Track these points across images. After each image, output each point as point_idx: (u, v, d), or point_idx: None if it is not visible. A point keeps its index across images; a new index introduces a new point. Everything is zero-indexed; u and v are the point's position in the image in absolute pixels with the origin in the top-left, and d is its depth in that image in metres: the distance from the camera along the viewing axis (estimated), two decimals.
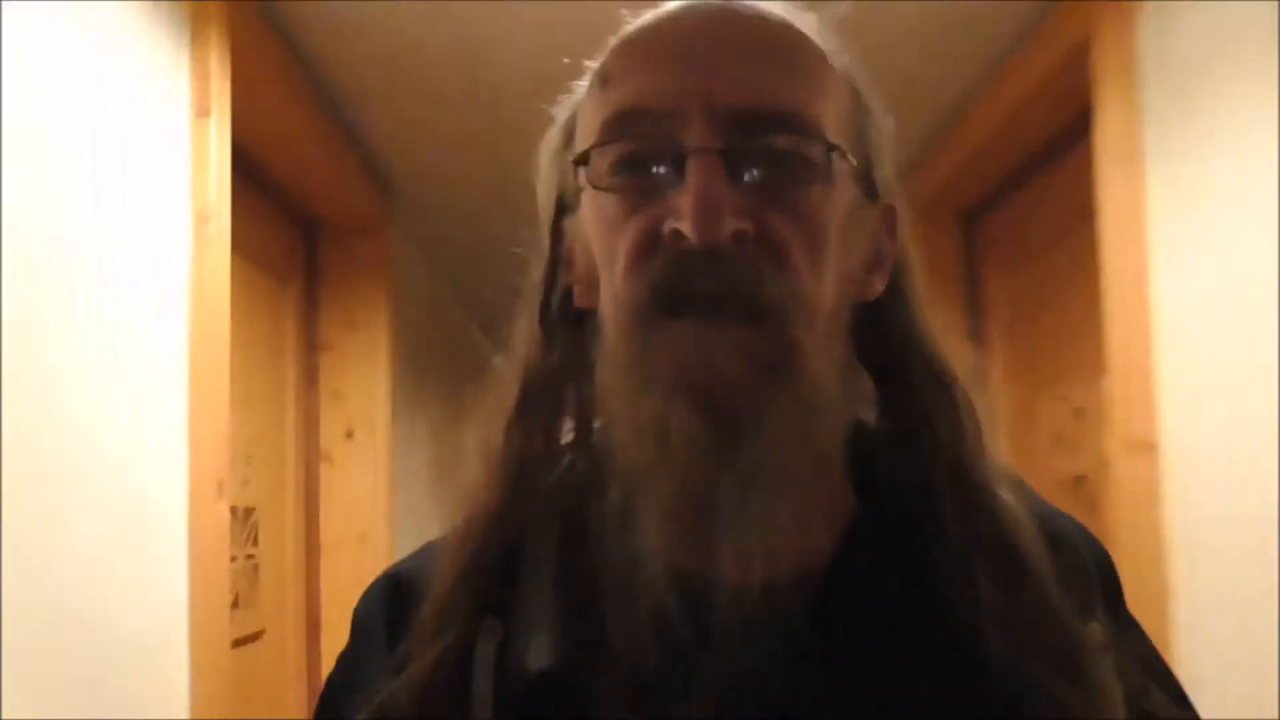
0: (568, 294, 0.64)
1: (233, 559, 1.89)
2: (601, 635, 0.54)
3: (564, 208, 0.64)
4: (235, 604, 1.89)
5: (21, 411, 1.08)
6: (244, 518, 2.03)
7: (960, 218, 2.61)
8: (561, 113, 0.65)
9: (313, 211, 2.45)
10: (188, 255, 1.50)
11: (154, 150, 1.42)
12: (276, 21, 1.81)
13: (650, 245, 0.55)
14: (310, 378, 2.51)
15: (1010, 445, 2.11)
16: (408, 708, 0.55)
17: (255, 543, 2.09)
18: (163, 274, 1.43)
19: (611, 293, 0.57)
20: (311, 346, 2.52)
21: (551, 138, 0.65)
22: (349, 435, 2.51)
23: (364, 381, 2.54)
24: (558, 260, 0.64)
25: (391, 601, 0.61)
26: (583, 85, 0.63)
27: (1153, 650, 0.63)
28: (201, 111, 1.54)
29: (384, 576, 0.65)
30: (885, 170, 0.63)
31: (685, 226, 0.53)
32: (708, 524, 0.54)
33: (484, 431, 0.63)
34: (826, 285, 0.57)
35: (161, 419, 1.41)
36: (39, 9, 1.15)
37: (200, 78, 1.54)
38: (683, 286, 0.54)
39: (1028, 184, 2.29)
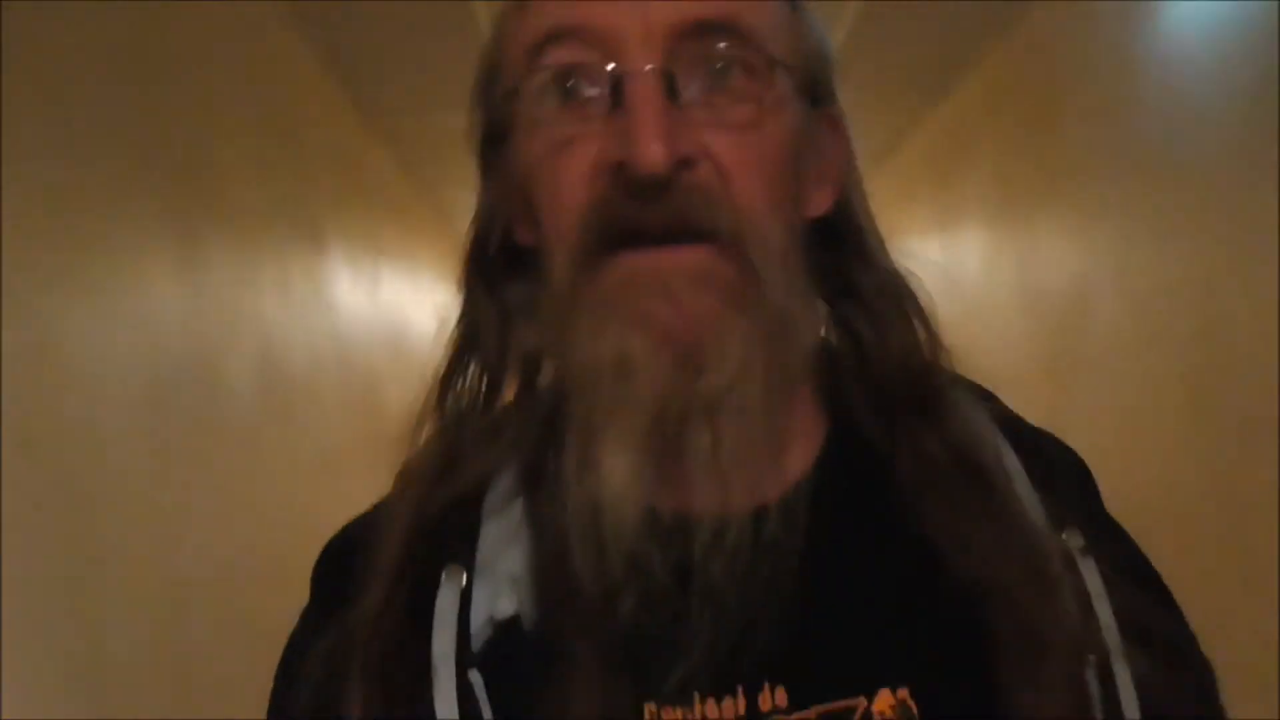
0: (506, 232, 0.61)
1: None
2: (570, 582, 0.52)
3: (494, 139, 0.60)
4: None
5: None
6: None
7: None
8: (487, 41, 0.61)
9: None
10: None
11: None
12: None
13: (594, 178, 0.53)
14: None
15: None
16: (364, 655, 0.53)
17: None
18: None
19: (556, 229, 0.54)
20: None
21: (477, 64, 0.61)
22: None
23: None
24: (488, 194, 0.62)
25: (348, 556, 0.59)
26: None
27: (1138, 554, 0.62)
28: None
29: (340, 532, 0.63)
30: (826, 78, 0.60)
31: (630, 156, 0.50)
32: (677, 457, 0.52)
33: (428, 376, 0.61)
34: (778, 203, 0.54)
35: None
36: None
37: None
38: (632, 221, 0.51)
39: None
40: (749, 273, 0.52)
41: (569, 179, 0.53)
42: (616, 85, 0.52)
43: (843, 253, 0.61)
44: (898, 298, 0.60)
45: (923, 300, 0.61)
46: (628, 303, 0.51)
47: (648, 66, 0.52)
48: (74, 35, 1.65)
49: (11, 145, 1.41)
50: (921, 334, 0.60)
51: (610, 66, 0.53)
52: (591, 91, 0.53)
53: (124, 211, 1.79)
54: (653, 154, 0.50)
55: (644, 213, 0.51)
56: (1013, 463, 0.59)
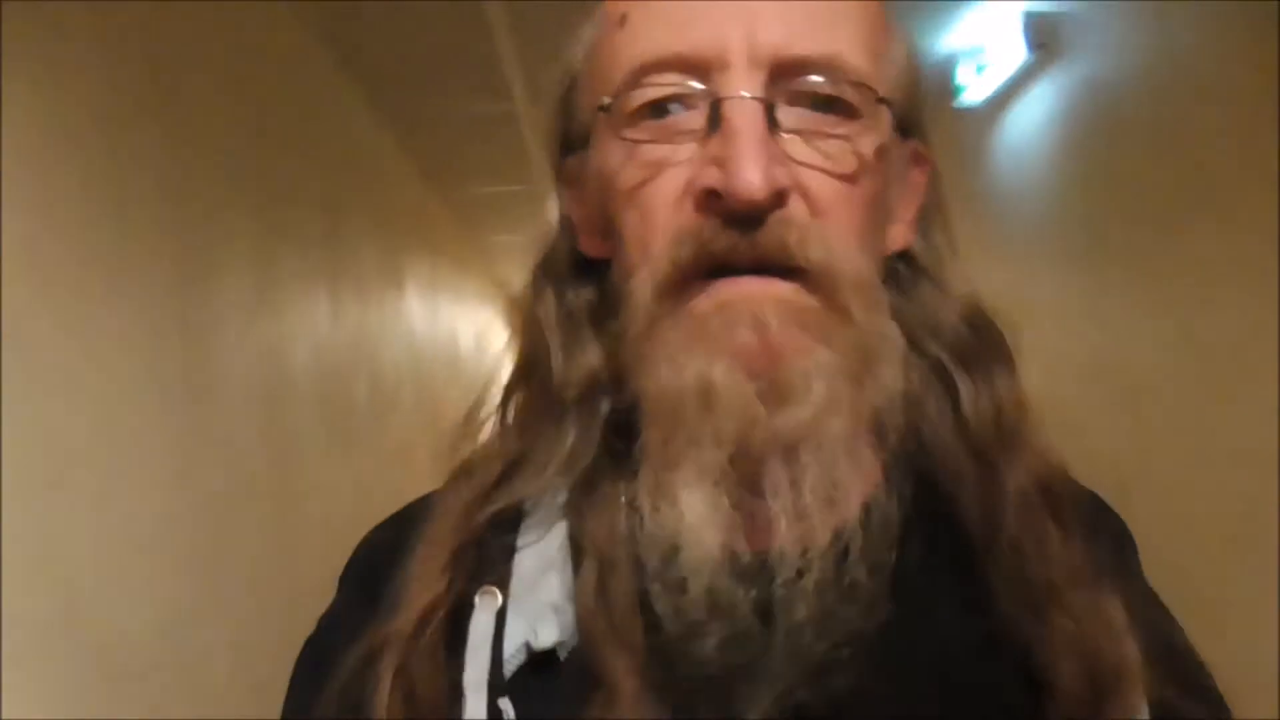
0: (573, 240, 0.61)
1: None
2: (623, 613, 0.50)
3: (569, 148, 0.60)
4: None
5: None
6: None
7: None
8: (571, 50, 0.60)
9: None
10: None
11: None
12: None
13: (685, 202, 0.52)
14: None
15: None
16: (395, 671, 0.52)
17: None
18: None
19: (642, 250, 0.53)
20: None
21: (557, 76, 0.60)
22: None
23: None
24: (565, 205, 0.61)
25: (380, 558, 0.58)
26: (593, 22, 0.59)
27: (1174, 625, 0.60)
28: None
29: (371, 533, 0.62)
30: (918, 110, 0.59)
31: (725, 183, 0.49)
32: (755, 492, 0.50)
33: (486, 383, 0.61)
34: (867, 240, 0.54)
35: None
36: None
37: None
38: (723, 250, 0.50)
39: None
40: (836, 308, 0.51)
41: (660, 201, 0.52)
42: (715, 109, 0.51)
43: (925, 286, 0.59)
44: (984, 335, 0.58)
45: (1009, 337, 0.58)
46: (714, 332, 0.50)
47: (749, 94, 0.50)
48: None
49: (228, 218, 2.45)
50: (1012, 373, 0.57)
51: (710, 92, 0.51)
52: (688, 115, 0.52)
53: (302, 269, 2.84)
54: (752, 183, 0.49)
55: (736, 242, 0.50)
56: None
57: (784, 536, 0.50)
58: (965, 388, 0.57)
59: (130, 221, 1.71)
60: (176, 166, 1.90)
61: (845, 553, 0.51)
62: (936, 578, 0.54)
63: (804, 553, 0.50)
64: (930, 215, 0.61)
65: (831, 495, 0.50)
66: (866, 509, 0.53)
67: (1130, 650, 0.52)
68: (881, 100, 0.53)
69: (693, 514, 0.49)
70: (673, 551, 0.50)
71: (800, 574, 0.50)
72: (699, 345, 0.50)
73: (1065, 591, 0.53)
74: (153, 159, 1.80)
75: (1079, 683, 0.51)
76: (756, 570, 0.51)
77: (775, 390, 0.49)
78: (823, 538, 0.50)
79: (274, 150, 2.52)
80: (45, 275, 1.43)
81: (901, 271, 0.59)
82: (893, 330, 0.54)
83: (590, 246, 0.59)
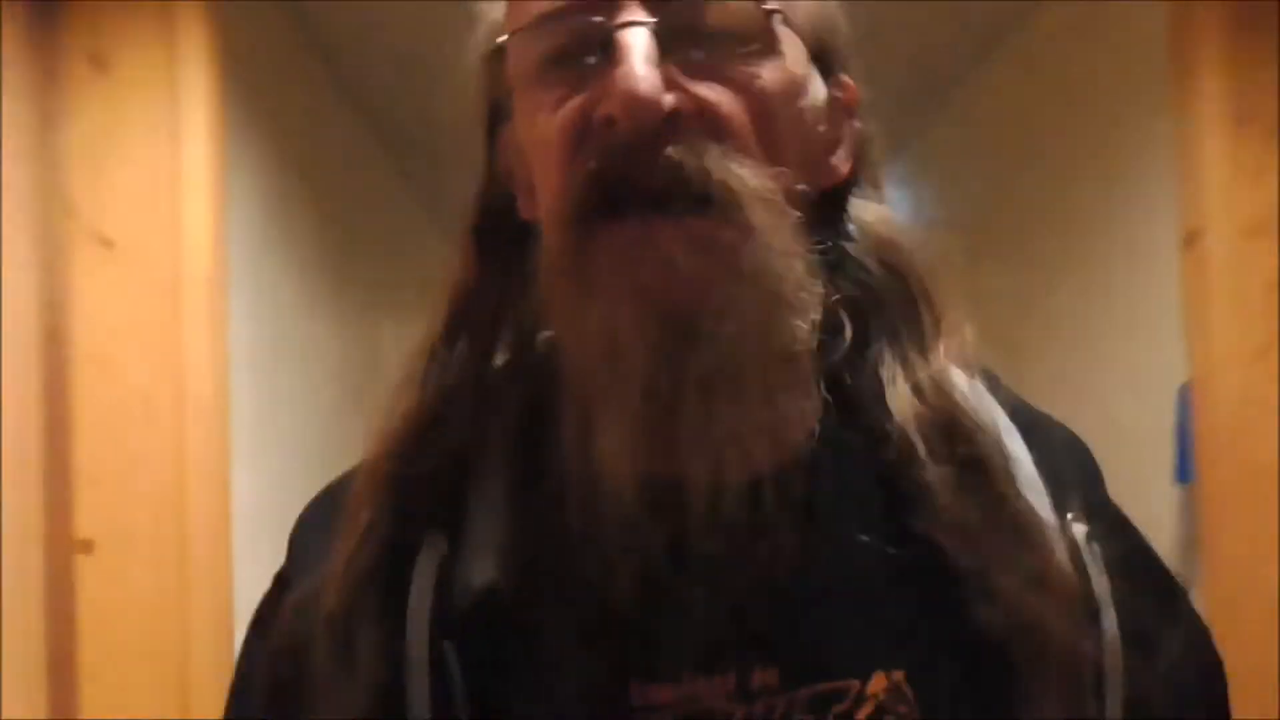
0: (508, 205, 0.59)
1: None
2: (558, 552, 0.52)
3: (499, 114, 0.59)
4: None
5: None
6: None
7: None
8: (490, 11, 0.59)
9: None
10: None
11: None
12: None
13: (580, 136, 0.51)
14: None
15: None
16: (331, 612, 0.51)
17: None
18: None
19: (547, 195, 0.53)
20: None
21: (480, 40, 0.60)
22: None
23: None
24: (494, 169, 0.60)
25: (325, 517, 0.57)
26: None
27: (1143, 543, 0.60)
28: None
29: (318, 495, 0.62)
30: (841, 47, 0.59)
31: (614, 107, 0.48)
32: (670, 431, 0.50)
33: (415, 344, 0.59)
34: (781, 165, 0.52)
35: None
36: None
37: None
38: (620, 180, 0.49)
39: None
40: (748, 236, 0.49)
41: (560, 140, 0.51)
42: (607, 42, 0.50)
43: (852, 226, 0.59)
44: (905, 277, 0.58)
45: (929, 278, 0.58)
46: (617, 275, 0.49)
47: (637, 19, 0.49)
48: None
49: None
50: (926, 315, 0.57)
51: (603, 28, 0.50)
52: (588, 58, 0.51)
53: None
54: (638, 96, 0.47)
55: (634, 172, 0.49)
56: (1018, 448, 0.55)
57: (697, 470, 0.50)
58: (875, 324, 0.57)
59: None
60: None
61: (758, 488, 0.51)
62: (852, 512, 0.55)
63: (716, 485, 0.50)
64: (858, 155, 0.60)
65: (746, 430, 0.50)
66: (782, 445, 0.53)
67: (1066, 583, 0.51)
68: (777, 13, 0.53)
69: (609, 453, 0.50)
70: (592, 488, 0.50)
71: (712, 506, 0.50)
72: (606, 289, 0.50)
73: (984, 530, 0.52)
74: None
75: (1012, 638, 0.50)
76: (671, 501, 0.50)
77: (684, 330, 0.49)
78: (737, 474, 0.50)
79: None
80: None
81: (825, 211, 0.58)
82: (804, 255, 0.52)
83: (525, 208, 0.59)
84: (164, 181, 1.55)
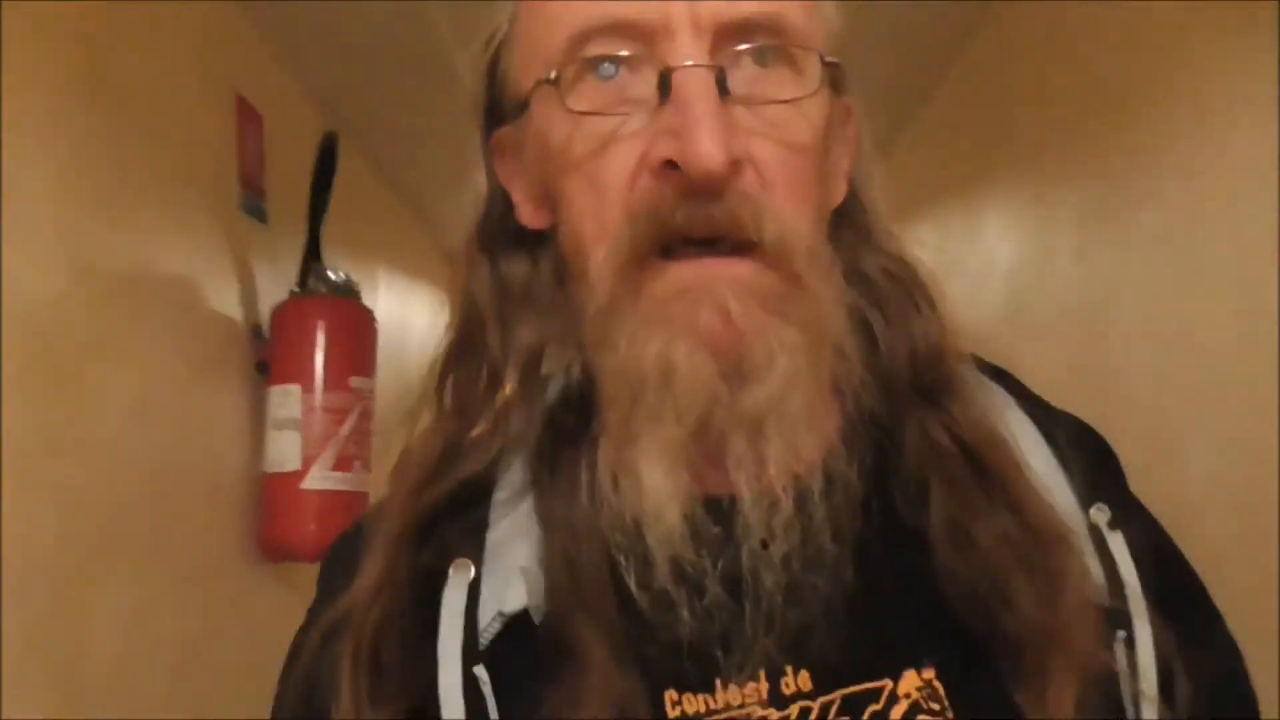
0: (507, 212, 0.60)
1: None
2: (587, 570, 0.52)
3: (499, 119, 0.60)
4: None
5: None
6: None
7: None
8: (496, 17, 0.60)
9: None
10: None
11: None
12: None
13: (640, 176, 0.52)
14: None
15: None
16: (358, 639, 0.52)
17: None
18: None
19: (598, 225, 0.53)
20: None
21: (483, 46, 0.60)
22: None
23: None
24: (499, 176, 0.61)
25: (354, 551, 0.57)
26: None
27: (1162, 534, 0.61)
28: None
29: (352, 526, 0.62)
30: (845, 64, 0.59)
31: (683, 155, 0.49)
32: (714, 456, 0.51)
33: (430, 363, 0.60)
34: (814, 207, 0.55)
35: None
36: None
37: None
38: (682, 224, 0.51)
39: None
40: (792, 282, 0.51)
41: (614, 176, 0.52)
42: (665, 79, 0.51)
43: (852, 238, 0.60)
44: (905, 284, 0.59)
45: (931, 285, 0.59)
46: (676, 313, 0.51)
47: (697, 61, 0.51)
48: None
49: None
50: (930, 320, 0.58)
51: (658, 61, 0.51)
52: (633, 80, 0.52)
53: None
54: (712, 155, 0.49)
55: (693, 215, 0.50)
56: (1033, 441, 0.57)
57: (748, 507, 0.51)
58: (884, 336, 0.58)
59: None
60: None
61: (810, 521, 0.52)
62: (895, 539, 0.55)
63: (769, 523, 0.51)
64: (859, 167, 0.62)
65: (794, 467, 0.51)
66: (829, 478, 0.54)
67: (1090, 615, 0.51)
68: (820, 55, 0.54)
69: (654, 488, 0.50)
70: (636, 526, 0.51)
71: (765, 544, 0.51)
72: (661, 326, 0.51)
73: (998, 544, 0.53)
74: None
75: (1020, 637, 0.51)
76: (723, 542, 0.52)
77: (738, 370, 0.50)
78: (787, 508, 0.51)
79: None
80: None
81: (832, 224, 0.59)
82: (843, 300, 0.55)
83: (531, 218, 0.59)
84: None
